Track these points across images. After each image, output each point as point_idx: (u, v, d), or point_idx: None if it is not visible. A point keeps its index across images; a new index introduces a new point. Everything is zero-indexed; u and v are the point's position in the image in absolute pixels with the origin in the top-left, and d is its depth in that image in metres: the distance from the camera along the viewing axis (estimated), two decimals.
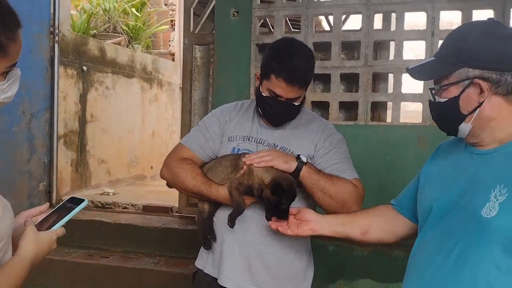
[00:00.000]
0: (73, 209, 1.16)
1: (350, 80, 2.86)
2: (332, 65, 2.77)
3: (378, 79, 2.90)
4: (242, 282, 1.64)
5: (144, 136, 5.18)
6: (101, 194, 3.96)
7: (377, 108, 2.88)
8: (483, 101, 1.12)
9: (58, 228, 1.12)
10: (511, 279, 1.06)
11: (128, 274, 2.74)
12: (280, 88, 1.53)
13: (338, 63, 2.77)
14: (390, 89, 2.86)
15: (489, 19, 1.23)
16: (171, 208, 3.45)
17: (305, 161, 1.54)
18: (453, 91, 1.14)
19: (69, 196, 1.25)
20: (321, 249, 2.69)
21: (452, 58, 1.14)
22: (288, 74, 1.51)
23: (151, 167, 5.10)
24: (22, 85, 3.07)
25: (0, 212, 0.99)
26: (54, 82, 3.57)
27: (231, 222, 1.60)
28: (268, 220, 1.56)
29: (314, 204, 1.67)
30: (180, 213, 3.37)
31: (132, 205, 3.59)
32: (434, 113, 1.24)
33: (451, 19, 3.03)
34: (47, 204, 1.26)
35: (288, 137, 1.66)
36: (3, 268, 1.00)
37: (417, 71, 1.21)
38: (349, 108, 2.87)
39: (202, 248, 1.77)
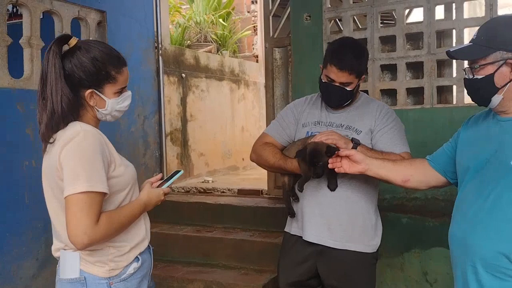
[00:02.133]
0: (174, 176, 1.70)
1: (417, 68, 3.12)
2: (398, 56, 3.04)
3: (443, 65, 3.13)
4: (322, 237, 2.04)
5: (235, 131, 5.71)
6: (202, 182, 4.56)
7: (443, 92, 3.12)
8: None
9: (164, 188, 1.64)
10: None
11: (229, 244, 3.23)
12: (332, 73, 1.93)
13: (403, 53, 3.03)
14: (455, 74, 3.08)
15: None
16: (261, 191, 3.91)
17: (359, 142, 1.93)
18: (490, 69, 1.46)
19: (174, 170, 1.78)
20: (396, 221, 2.96)
21: (489, 43, 1.46)
22: (338, 61, 1.92)
23: (243, 159, 5.61)
24: (136, 93, 3.77)
25: (123, 168, 1.53)
26: (160, 88, 4.19)
27: (300, 187, 2.02)
28: (331, 190, 1.96)
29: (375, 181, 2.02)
30: (269, 194, 3.82)
31: (228, 190, 4.11)
32: (470, 89, 1.55)
33: (506, 4, 3.16)
34: (160, 174, 1.78)
35: (352, 117, 2.04)
36: (129, 204, 1.55)
37: (457, 53, 1.54)
38: (417, 93, 3.14)
39: (288, 217, 2.22)
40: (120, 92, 1.55)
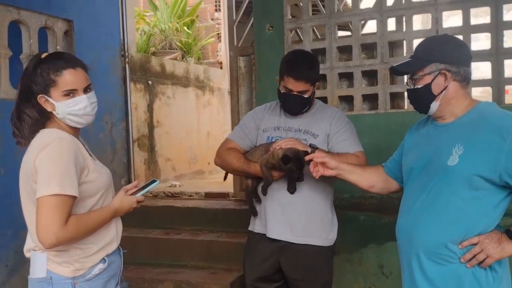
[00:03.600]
0: (150, 185, 1.78)
1: (372, 76, 3.34)
2: (354, 64, 3.24)
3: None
4: (284, 234, 2.19)
5: (201, 136, 5.81)
6: (170, 186, 4.63)
7: (396, 98, 3.35)
8: (447, 85, 1.65)
9: (138, 196, 1.72)
10: (471, 204, 1.57)
11: (198, 245, 3.34)
12: (290, 83, 2.10)
13: (359, 62, 3.24)
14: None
15: (444, 34, 1.80)
16: (228, 193, 4.04)
17: (317, 147, 2.11)
18: (427, 79, 1.66)
19: (151, 179, 1.85)
20: (353, 218, 3.16)
21: (426, 56, 1.67)
22: (294, 73, 2.09)
23: (208, 163, 5.68)
24: (103, 100, 3.82)
25: (96, 175, 1.62)
26: (127, 96, 4.26)
27: (263, 191, 2.19)
28: (291, 193, 2.13)
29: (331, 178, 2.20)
30: (235, 197, 3.95)
31: (195, 193, 4.22)
32: (411, 98, 1.75)
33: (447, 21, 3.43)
34: (137, 180, 1.85)
35: (309, 122, 2.22)
36: (100, 209, 1.63)
37: (401, 67, 1.74)
38: (371, 100, 3.36)
39: (252, 217, 2.37)
40: (68, 94, 1.59)
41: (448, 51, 1.66)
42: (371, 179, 1.96)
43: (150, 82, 4.83)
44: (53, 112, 1.61)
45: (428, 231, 1.63)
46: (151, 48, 5.92)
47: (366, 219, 3.15)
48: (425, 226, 1.64)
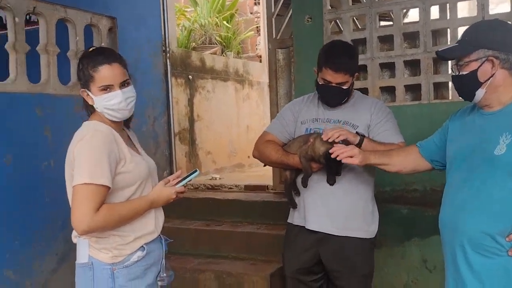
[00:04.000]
0: (190, 176, 1.79)
1: (414, 66, 3.26)
2: (396, 54, 3.17)
3: (439, 62, 3.25)
4: (324, 225, 2.19)
5: (240, 130, 5.85)
6: (210, 179, 4.71)
7: (440, 88, 3.25)
8: (495, 73, 1.59)
9: (178, 187, 1.75)
10: None
11: (237, 237, 3.39)
12: (329, 75, 2.08)
13: (401, 52, 3.16)
14: (450, 71, 3.21)
15: (495, 19, 1.72)
16: (267, 186, 4.06)
17: (364, 134, 2.08)
18: (473, 66, 1.61)
19: (193, 170, 1.87)
20: (396, 212, 3.10)
21: (473, 42, 1.62)
22: (332, 65, 2.06)
23: (248, 157, 5.68)
24: (146, 95, 3.93)
25: (133, 165, 1.67)
26: (168, 90, 4.35)
27: (303, 183, 2.18)
28: (330, 185, 2.12)
29: (373, 167, 2.18)
30: (275, 190, 3.96)
31: (235, 186, 4.26)
32: (456, 84, 1.70)
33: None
34: (180, 171, 1.88)
35: (348, 113, 2.20)
36: (135, 199, 1.68)
37: (446, 52, 1.69)
38: (414, 90, 3.27)
39: (290, 209, 2.38)
40: (105, 89, 1.66)
41: (497, 37, 1.59)
42: (400, 164, 1.95)
43: (190, 76, 4.91)
44: (94, 105, 1.69)
45: (473, 222, 1.58)
46: (191, 43, 6.01)
47: (409, 212, 3.09)
48: (469, 217, 1.60)
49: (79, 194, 1.54)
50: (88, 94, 1.68)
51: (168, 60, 4.38)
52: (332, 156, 1.91)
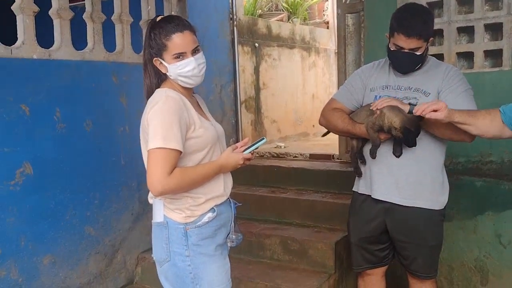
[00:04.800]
0: (257, 143, 1.83)
1: (496, 29, 3.03)
2: (476, 17, 2.96)
3: None
4: (391, 195, 2.15)
5: (306, 98, 5.80)
6: (275, 147, 4.73)
7: None
8: None
9: (245, 153, 1.79)
10: None
11: (302, 204, 3.41)
12: (401, 41, 1.98)
13: (481, 14, 2.95)
14: None
15: None
16: (333, 155, 4.02)
17: (415, 104, 1.99)
18: None
19: (260, 137, 1.90)
20: (470, 184, 2.96)
21: None
22: (405, 29, 1.96)
23: (313, 126, 5.70)
24: (213, 63, 3.99)
25: (203, 131, 1.72)
26: (235, 58, 4.37)
27: (372, 154, 2.13)
28: (396, 157, 2.06)
29: (441, 139, 2.09)
30: (340, 159, 3.92)
31: (300, 154, 4.27)
32: None
33: None
34: (247, 138, 1.90)
35: (420, 80, 2.10)
36: (205, 164, 1.74)
37: None
38: (495, 56, 3.06)
39: (356, 177, 2.35)
40: (178, 57, 1.71)
41: None
42: (485, 127, 1.85)
43: (256, 44, 4.90)
44: (166, 73, 1.74)
45: None
46: (257, 10, 5.97)
47: (484, 185, 2.95)
48: None
49: (153, 158, 1.61)
50: (161, 63, 1.73)
51: (235, 28, 4.39)
52: (418, 113, 1.85)
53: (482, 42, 2.96)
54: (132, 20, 3.30)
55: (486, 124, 1.84)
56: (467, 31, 3.08)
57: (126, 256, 3.28)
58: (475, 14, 2.95)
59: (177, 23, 1.72)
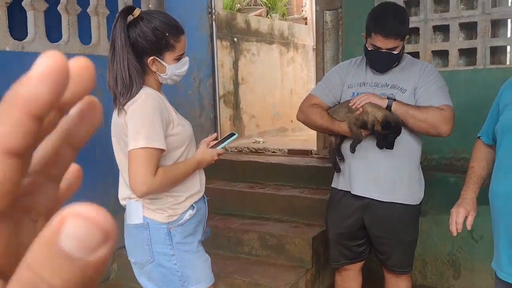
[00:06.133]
0: (229, 138, 1.84)
1: (470, 28, 3.10)
2: (451, 16, 3.02)
3: (498, 25, 3.08)
4: (369, 191, 2.18)
5: (284, 94, 5.80)
6: (254, 142, 4.73)
7: (497, 53, 3.09)
8: None
9: (218, 149, 1.79)
10: None
11: (281, 200, 3.42)
12: (378, 41, 2.00)
13: (457, 13, 3.01)
14: (510, 34, 3.03)
15: None
16: (311, 151, 4.05)
17: (395, 98, 2.02)
18: None
19: (229, 132, 1.91)
20: (444, 180, 3.03)
21: None
22: (382, 30, 1.98)
23: (291, 121, 5.71)
24: (192, 57, 3.93)
25: (181, 128, 1.70)
26: (214, 53, 4.34)
27: (352, 149, 2.16)
28: (379, 148, 2.09)
29: (420, 134, 2.13)
30: (318, 154, 3.95)
31: (279, 150, 4.27)
32: None
33: None
34: (215, 134, 1.91)
35: (397, 77, 2.13)
36: (184, 161, 1.73)
37: None
38: (469, 55, 3.12)
39: (335, 173, 2.37)
40: (179, 58, 1.70)
41: None
42: (484, 179, 1.86)
43: (235, 39, 4.88)
44: (157, 72, 1.69)
45: None
46: (236, 5, 5.93)
47: (457, 181, 3.00)
48: None
49: (135, 158, 1.58)
50: (157, 62, 1.68)
51: (213, 22, 4.36)
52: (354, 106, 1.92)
53: (457, 41, 3.03)
54: (109, 12, 3.23)
55: (487, 164, 1.88)
56: (443, 30, 3.14)
57: None
58: (450, 13, 3.01)
59: (177, 23, 1.70)
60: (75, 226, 0.19)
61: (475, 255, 2.95)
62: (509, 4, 2.96)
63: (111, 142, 1.80)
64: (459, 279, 3.02)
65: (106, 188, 3.23)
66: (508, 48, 3.00)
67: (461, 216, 1.83)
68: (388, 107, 1.99)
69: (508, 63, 3.02)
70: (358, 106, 2.02)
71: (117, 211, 3.19)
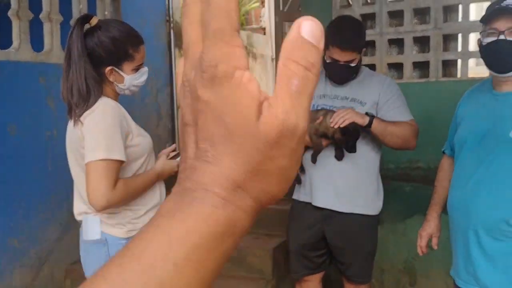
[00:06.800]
0: None
1: (424, 42, 3.21)
2: (405, 30, 3.13)
3: (449, 39, 3.21)
4: (330, 202, 2.20)
5: None
6: None
7: (448, 66, 3.22)
8: None
9: (178, 160, 1.76)
10: None
11: None
12: (336, 54, 2.04)
13: (411, 28, 3.13)
14: (460, 48, 3.17)
15: None
16: None
17: (374, 115, 2.06)
18: None
19: None
20: (399, 189, 3.11)
21: None
22: (340, 43, 2.02)
23: None
24: (149, 66, 3.84)
25: (140, 139, 1.67)
26: (172, 62, 4.30)
27: (313, 160, 2.17)
28: (338, 160, 2.11)
29: (379, 145, 2.18)
30: None
31: None
32: (503, 50, 1.53)
33: None
34: (174, 145, 1.88)
35: (356, 90, 2.17)
36: (144, 173, 1.69)
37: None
38: (422, 67, 3.24)
39: (296, 185, 2.37)
40: (138, 68, 1.66)
41: None
42: (448, 188, 1.88)
43: None
44: (114, 82, 1.64)
45: (489, 206, 1.57)
46: None
47: (412, 190, 3.10)
48: (484, 202, 1.58)
49: (94, 171, 1.51)
50: (116, 72, 1.62)
51: (171, 31, 4.31)
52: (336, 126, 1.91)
53: (411, 54, 3.13)
54: (62, 19, 3.12)
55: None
56: (398, 43, 3.24)
57: (54, 269, 3.08)
58: (405, 27, 3.12)
59: (136, 32, 1.66)
60: (307, 25, 0.31)
61: (430, 261, 3.03)
62: (460, 20, 3.09)
63: (63, 153, 1.72)
64: (415, 286, 3.10)
65: (59, 200, 3.09)
66: (459, 61, 3.12)
67: (423, 241, 1.95)
68: (369, 124, 2.01)
69: (459, 76, 3.14)
70: (339, 125, 1.98)
71: (70, 224, 3.08)
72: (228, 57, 0.29)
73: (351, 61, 2.07)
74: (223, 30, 0.29)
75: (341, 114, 1.99)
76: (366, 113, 2.04)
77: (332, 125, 2.01)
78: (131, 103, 3.80)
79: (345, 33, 2.04)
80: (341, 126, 1.97)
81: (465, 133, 1.72)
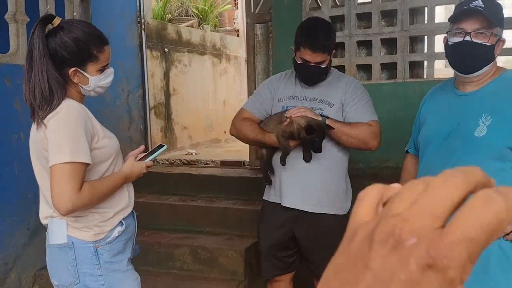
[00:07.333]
0: (158, 150, 1.80)
1: (391, 44, 3.28)
2: (373, 32, 3.18)
3: (416, 41, 3.29)
4: (299, 203, 2.22)
5: (217, 105, 5.80)
6: (186, 154, 4.67)
7: (415, 67, 3.29)
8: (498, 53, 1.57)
9: (147, 161, 1.75)
10: (496, 176, 1.55)
11: (213, 212, 3.39)
12: (307, 55, 2.07)
13: (378, 30, 3.18)
14: (426, 49, 3.25)
15: None
16: (243, 162, 4.06)
17: (328, 116, 2.09)
18: (492, 40, 1.53)
19: (158, 144, 1.87)
20: (362, 187, 3.18)
21: (496, 18, 1.53)
22: (310, 44, 2.04)
23: (224, 132, 5.70)
24: (120, 68, 3.84)
25: (106, 141, 1.64)
26: (143, 63, 4.25)
27: (282, 161, 2.19)
28: (306, 161, 2.14)
29: (346, 148, 2.21)
30: (251, 165, 3.97)
31: (211, 161, 4.25)
32: (469, 51, 1.54)
33: None
34: (143, 146, 1.86)
35: (324, 91, 2.20)
36: (111, 175, 1.66)
37: (484, 10, 1.52)
38: (390, 69, 3.30)
39: (266, 186, 2.39)
40: (103, 69, 1.63)
41: (503, 17, 1.57)
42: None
43: (166, 49, 4.81)
44: (79, 84, 1.62)
45: None
46: (167, 15, 5.86)
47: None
48: None
49: (59, 174, 1.48)
50: (80, 73, 1.60)
51: (143, 32, 4.27)
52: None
53: (379, 56, 3.18)
54: (29, 19, 3.06)
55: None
56: (366, 45, 3.29)
57: (22, 275, 3.02)
58: (372, 29, 3.17)
59: (100, 33, 1.63)
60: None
61: None
62: (425, 22, 3.16)
63: (30, 156, 1.69)
64: None
65: (26, 204, 3.03)
66: (425, 62, 3.20)
67: None
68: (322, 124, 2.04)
69: (425, 76, 3.21)
70: (293, 117, 2.04)
71: (39, 228, 3.02)
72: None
73: (322, 63, 2.10)
74: None
75: (297, 109, 2.05)
76: (321, 114, 2.07)
77: (287, 116, 2.04)
78: (102, 105, 3.76)
79: (316, 35, 2.07)
80: (293, 117, 2.01)
81: (429, 133, 1.75)
